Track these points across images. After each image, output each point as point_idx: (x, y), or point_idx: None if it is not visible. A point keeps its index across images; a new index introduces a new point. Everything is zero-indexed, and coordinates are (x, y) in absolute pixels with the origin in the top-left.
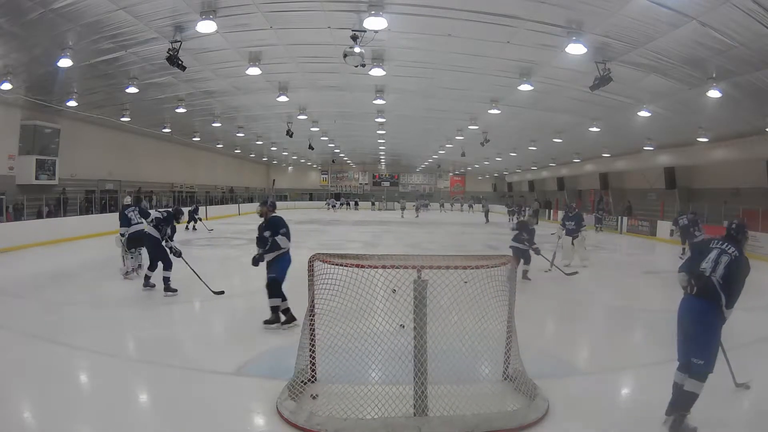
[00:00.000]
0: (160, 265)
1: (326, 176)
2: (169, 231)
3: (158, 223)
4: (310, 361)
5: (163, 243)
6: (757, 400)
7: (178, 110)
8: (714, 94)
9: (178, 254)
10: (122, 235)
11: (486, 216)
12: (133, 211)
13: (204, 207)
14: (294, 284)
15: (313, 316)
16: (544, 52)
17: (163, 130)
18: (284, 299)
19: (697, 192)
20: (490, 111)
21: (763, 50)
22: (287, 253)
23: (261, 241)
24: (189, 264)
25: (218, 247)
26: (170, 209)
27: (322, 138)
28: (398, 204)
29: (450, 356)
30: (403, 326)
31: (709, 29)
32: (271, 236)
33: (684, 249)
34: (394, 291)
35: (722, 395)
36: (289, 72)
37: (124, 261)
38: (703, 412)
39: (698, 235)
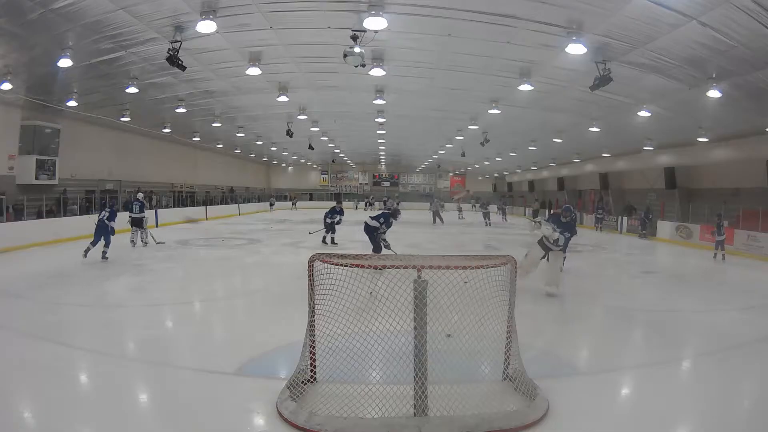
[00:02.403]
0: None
1: (326, 176)
2: (384, 226)
3: (378, 218)
4: (311, 361)
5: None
6: (757, 400)
7: (178, 110)
8: (714, 94)
9: (388, 246)
10: (130, 216)
11: (435, 216)
12: (136, 204)
13: (204, 207)
14: (295, 283)
15: (314, 316)
16: (544, 52)
17: (163, 130)
18: None
19: (697, 192)
20: (490, 111)
21: (763, 50)
22: None
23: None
24: (394, 251)
25: (218, 247)
26: (390, 209)
27: (322, 138)
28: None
29: (450, 356)
30: (372, 293)
31: (709, 29)
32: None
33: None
34: (371, 293)
35: (722, 395)
36: (289, 72)
37: (131, 237)
38: (703, 412)
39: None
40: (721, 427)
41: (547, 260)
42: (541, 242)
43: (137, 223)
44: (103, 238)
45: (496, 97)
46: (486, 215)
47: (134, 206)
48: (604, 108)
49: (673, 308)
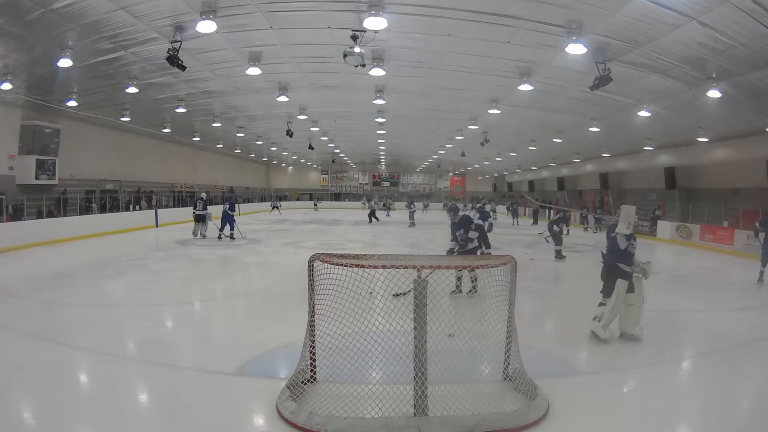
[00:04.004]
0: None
1: (326, 176)
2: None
3: (481, 216)
4: (311, 361)
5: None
6: (757, 400)
7: (178, 110)
8: (714, 94)
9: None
10: (194, 213)
11: (370, 216)
12: (200, 202)
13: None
14: (295, 283)
15: (314, 316)
16: (544, 52)
17: (163, 130)
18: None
19: (697, 192)
20: (490, 111)
21: (763, 50)
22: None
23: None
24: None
25: (218, 247)
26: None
27: (322, 138)
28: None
29: (450, 356)
30: (372, 293)
31: (709, 29)
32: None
33: None
34: (371, 293)
35: (722, 395)
36: (289, 72)
37: (194, 230)
38: (703, 412)
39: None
40: (721, 427)
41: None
42: (616, 268)
43: (200, 219)
44: (228, 223)
45: (496, 97)
46: (411, 214)
47: (198, 204)
48: (604, 108)
49: (673, 308)
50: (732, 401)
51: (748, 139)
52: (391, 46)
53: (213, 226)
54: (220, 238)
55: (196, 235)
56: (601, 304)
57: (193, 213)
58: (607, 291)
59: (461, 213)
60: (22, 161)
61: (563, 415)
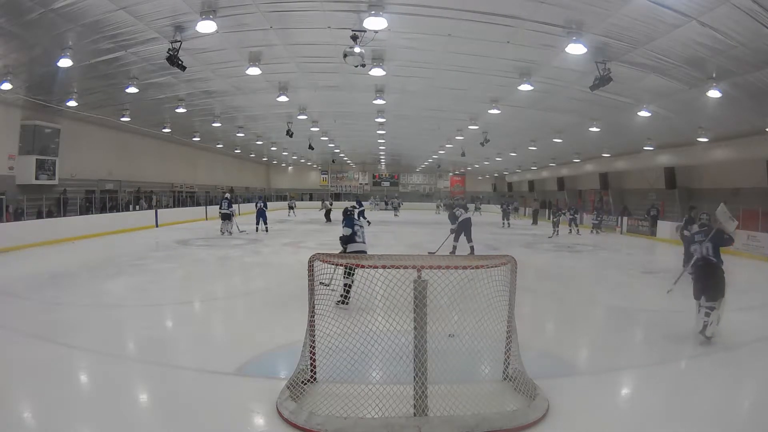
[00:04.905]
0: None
1: (326, 176)
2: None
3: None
4: (311, 361)
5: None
6: (757, 400)
7: (178, 110)
8: (714, 94)
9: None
10: (220, 212)
11: (326, 216)
12: (224, 201)
13: (204, 207)
14: (295, 283)
15: (314, 315)
16: (544, 52)
17: (163, 130)
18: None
19: (697, 192)
20: (490, 111)
21: (763, 50)
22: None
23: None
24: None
25: (218, 247)
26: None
27: (322, 138)
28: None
29: (450, 356)
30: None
31: (709, 29)
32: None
33: None
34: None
35: (722, 395)
36: (289, 72)
37: (221, 228)
38: (703, 412)
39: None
40: (721, 427)
41: None
42: (720, 267)
43: (226, 217)
44: (261, 219)
45: (496, 97)
46: (360, 213)
47: (223, 203)
48: (604, 108)
49: (674, 308)
50: (732, 401)
51: (748, 139)
52: (391, 46)
53: (237, 222)
54: (257, 230)
55: (223, 233)
56: (713, 309)
57: (219, 212)
58: (721, 291)
59: (354, 214)
60: (22, 161)
61: (563, 415)
